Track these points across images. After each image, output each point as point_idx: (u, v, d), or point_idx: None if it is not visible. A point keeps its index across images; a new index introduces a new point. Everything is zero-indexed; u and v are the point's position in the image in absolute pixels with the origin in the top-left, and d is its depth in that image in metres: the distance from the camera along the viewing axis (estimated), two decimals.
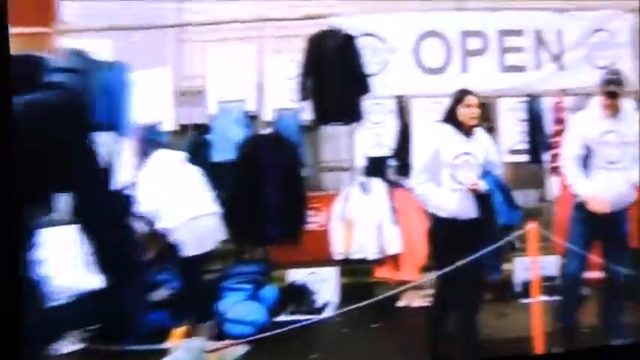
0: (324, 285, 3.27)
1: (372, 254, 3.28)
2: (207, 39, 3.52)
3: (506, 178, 4.18)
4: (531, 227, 2.58)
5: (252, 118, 3.38)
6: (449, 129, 2.64)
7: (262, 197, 3.01)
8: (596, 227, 2.76)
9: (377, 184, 3.39)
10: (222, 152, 3.17)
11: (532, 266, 2.65)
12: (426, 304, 3.40)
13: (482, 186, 2.62)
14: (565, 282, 2.97)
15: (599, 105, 2.75)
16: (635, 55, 4.03)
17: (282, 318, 2.99)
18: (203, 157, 3.11)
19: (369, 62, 3.43)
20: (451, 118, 2.64)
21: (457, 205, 2.58)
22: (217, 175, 2.99)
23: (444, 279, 2.61)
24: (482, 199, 2.64)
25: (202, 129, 3.31)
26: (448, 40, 3.57)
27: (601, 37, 3.95)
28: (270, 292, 2.96)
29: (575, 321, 2.94)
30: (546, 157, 3.74)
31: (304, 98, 3.39)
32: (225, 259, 2.96)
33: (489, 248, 2.57)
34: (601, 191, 2.66)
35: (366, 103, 3.48)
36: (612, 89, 2.65)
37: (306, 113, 3.41)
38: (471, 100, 2.60)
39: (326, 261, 3.34)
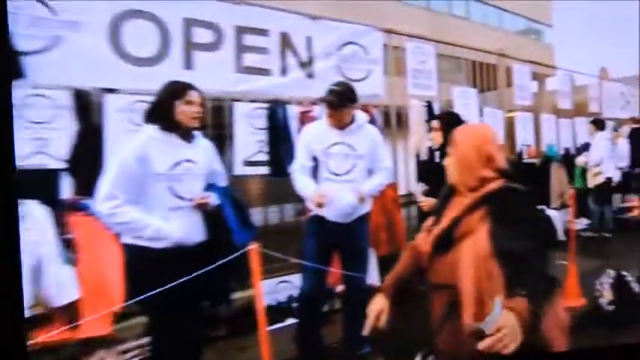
0: None
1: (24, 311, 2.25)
2: None
3: (254, 192, 3.77)
4: (252, 247, 2.20)
5: None
6: (161, 130, 2.06)
7: None
8: (331, 239, 2.69)
9: (35, 208, 2.37)
10: None
11: (256, 290, 2.26)
12: None
13: (213, 200, 2.19)
14: (302, 300, 2.80)
15: (326, 116, 2.64)
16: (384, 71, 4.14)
17: None
18: None
19: (27, 36, 2.38)
20: (166, 116, 2.06)
21: (181, 228, 2.05)
22: None
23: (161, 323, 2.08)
24: (211, 216, 2.21)
25: None
26: (165, 27, 2.85)
27: (353, 51, 3.87)
28: None
29: (318, 339, 2.82)
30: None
31: None
32: None
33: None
34: (328, 202, 2.53)
35: (19, 93, 2.41)
36: (330, 99, 2.54)
37: None
38: (192, 96, 2.12)
39: None
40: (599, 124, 5.99)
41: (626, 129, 6.71)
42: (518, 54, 5.97)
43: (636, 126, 6.65)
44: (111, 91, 2.67)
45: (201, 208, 2.15)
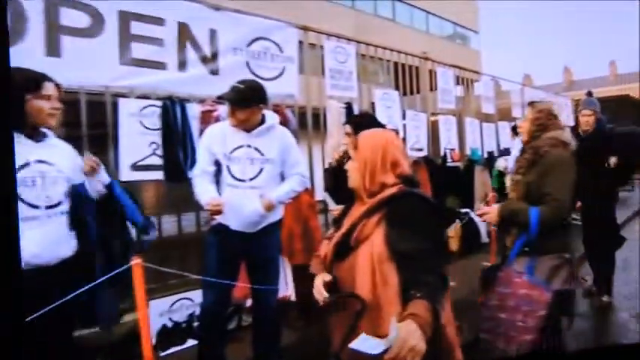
0: None
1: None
2: None
3: (147, 201, 3.41)
4: (135, 262, 2.01)
5: None
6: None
7: None
8: (235, 250, 2.48)
9: None
10: None
11: (140, 312, 2.06)
12: None
13: (103, 174, 2.06)
14: (204, 317, 2.55)
15: (228, 116, 2.43)
16: (301, 71, 3.93)
17: None
18: None
19: None
20: (14, 112, 1.72)
21: (35, 243, 1.74)
22: None
23: None
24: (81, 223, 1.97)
25: None
26: (18, 4, 2.38)
27: (264, 47, 3.61)
28: None
29: None
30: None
31: None
32: None
33: None
34: (231, 210, 2.34)
35: None
36: (231, 97, 2.34)
37: None
38: (49, 88, 1.84)
39: None
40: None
41: None
42: (444, 58, 6.02)
43: None
44: None
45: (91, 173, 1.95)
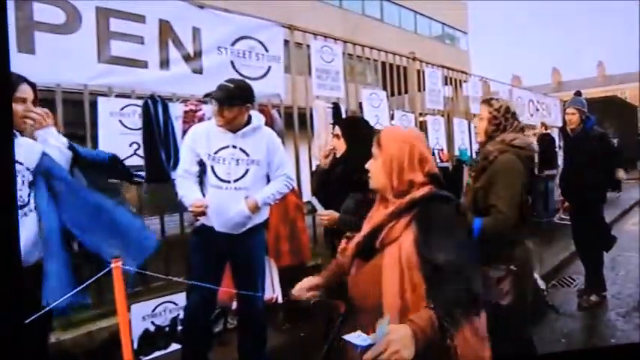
0: None
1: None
2: None
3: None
4: (115, 265, 1.89)
5: None
6: None
7: None
8: (220, 252, 2.43)
9: None
10: None
11: (120, 317, 1.93)
12: None
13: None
14: (188, 320, 2.52)
15: (214, 116, 2.38)
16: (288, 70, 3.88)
17: None
18: None
19: None
20: None
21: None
22: None
23: None
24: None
25: None
26: None
27: (249, 46, 3.55)
28: None
29: None
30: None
31: None
32: None
33: None
34: (215, 211, 2.32)
35: None
36: (217, 96, 2.28)
37: None
38: (25, 91, 1.77)
39: None
40: None
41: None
42: (432, 58, 6.00)
43: (545, 131, 6.95)
44: None
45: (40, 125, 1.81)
